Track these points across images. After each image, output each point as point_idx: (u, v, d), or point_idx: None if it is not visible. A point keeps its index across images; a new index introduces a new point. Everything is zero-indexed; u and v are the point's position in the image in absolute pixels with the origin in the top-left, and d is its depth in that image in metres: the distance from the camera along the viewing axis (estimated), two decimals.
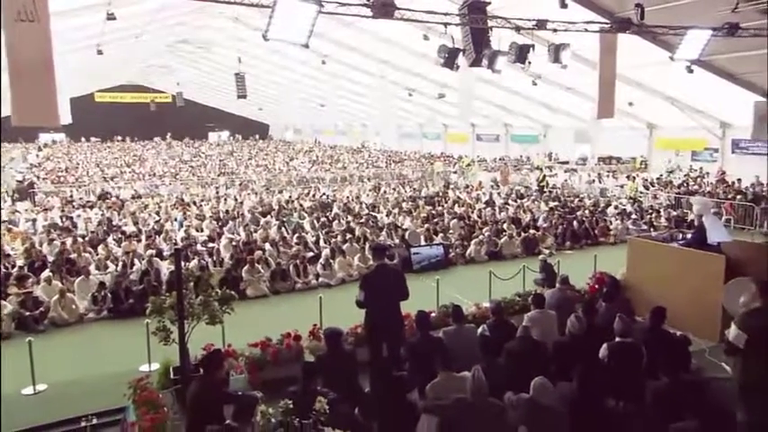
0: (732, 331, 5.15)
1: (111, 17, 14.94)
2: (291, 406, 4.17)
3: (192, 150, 47.50)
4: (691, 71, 16.22)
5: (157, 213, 18.35)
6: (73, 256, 12.47)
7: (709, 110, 22.87)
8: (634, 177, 24.23)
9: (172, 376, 6.53)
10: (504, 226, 15.61)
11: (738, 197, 18.50)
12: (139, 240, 14.34)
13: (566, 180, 26.04)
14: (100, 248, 13.37)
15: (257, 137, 63.81)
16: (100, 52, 19.84)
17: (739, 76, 17.40)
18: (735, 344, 5.12)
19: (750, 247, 8.79)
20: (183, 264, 6.98)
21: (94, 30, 18.17)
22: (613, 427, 4.66)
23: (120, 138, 56.92)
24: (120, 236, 14.82)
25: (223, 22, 26.15)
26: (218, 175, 30.63)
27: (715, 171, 24.10)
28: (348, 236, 14.14)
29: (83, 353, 8.88)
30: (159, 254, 12.77)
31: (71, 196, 23.16)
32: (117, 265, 12.25)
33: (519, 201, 20.70)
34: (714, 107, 22.52)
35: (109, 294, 10.65)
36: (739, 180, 21.11)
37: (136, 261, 12.44)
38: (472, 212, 17.96)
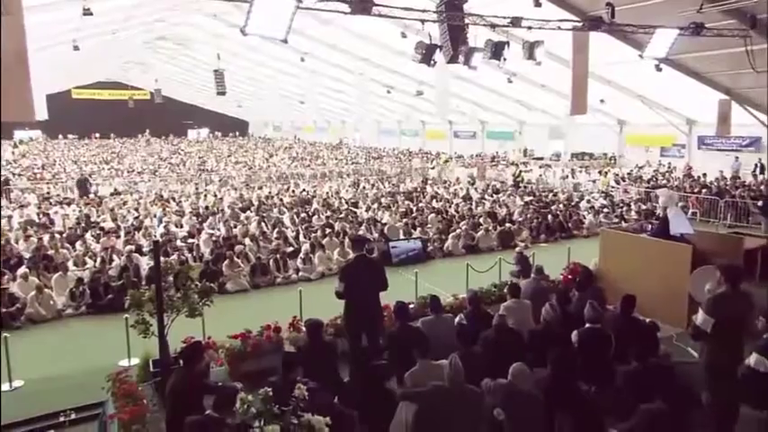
0: (699, 316, 5.35)
1: (87, 12, 14.78)
2: (271, 393, 4.25)
3: (170, 147, 46.98)
4: (659, 69, 16.62)
5: (136, 210, 18.20)
6: (50, 252, 12.35)
7: (677, 107, 23.45)
8: (606, 172, 24.69)
9: (152, 369, 6.57)
10: (481, 220, 15.84)
11: (704, 191, 19.02)
12: (118, 236, 14.25)
13: (540, 175, 26.45)
14: (78, 245, 13.27)
15: (237, 134, 63.38)
16: (76, 48, 19.59)
17: (704, 75, 17.90)
18: (702, 328, 5.32)
19: (715, 237, 9.13)
20: (162, 258, 7.02)
21: (71, 25, 17.95)
22: (586, 410, 4.83)
23: (97, 135, 56.06)
24: (98, 232, 14.70)
25: (201, 19, 25.97)
26: (198, 172, 30.41)
27: (682, 166, 24.71)
28: (328, 230, 14.23)
29: (61, 349, 8.84)
30: (138, 249, 12.71)
31: (48, 193, 22.85)
32: (95, 261, 12.17)
33: (495, 196, 20.98)
34: (681, 105, 23.11)
35: (87, 290, 10.58)
36: (704, 175, 21.76)
37: (115, 257, 12.37)
38: (450, 207, 18.17)
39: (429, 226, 15.52)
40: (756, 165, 22.02)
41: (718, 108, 18.68)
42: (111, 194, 22.39)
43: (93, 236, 14.39)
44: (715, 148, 24.01)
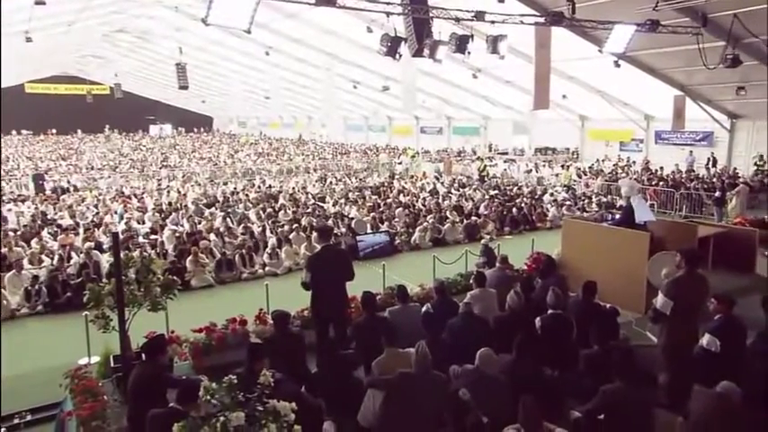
0: (659, 299, 5.52)
1: (39, 2, 14.30)
2: (236, 381, 4.19)
3: (132, 143, 45.84)
4: (618, 66, 17.04)
5: (96, 206, 17.72)
6: (3, 250, 11.93)
7: (635, 103, 24.10)
8: (568, 167, 25.21)
9: (112, 365, 6.41)
10: (448, 213, 15.97)
11: (660, 184, 19.63)
12: (77, 233, 13.85)
13: (505, 170, 26.81)
14: (33, 242, 12.84)
15: (201, 129, 62.27)
16: (29, 39, 18.94)
17: (660, 71, 18.46)
18: (661, 311, 5.50)
19: (671, 225, 9.42)
20: (123, 253, 6.84)
21: (22, 15, 17.33)
22: (549, 393, 4.92)
23: (54, 131, 54.29)
24: (55, 229, 14.26)
25: (162, 11, 25.38)
26: (160, 168, 29.78)
27: (641, 160, 25.41)
28: (294, 225, 14.13)
29: (15, 349, 8.51)
30: (98, 246, 12.39)
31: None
32: (53, 259, 11.80)
33: (461, 190, 21.18)
34: (639, 101, 23.76)
35: (44, 288, 10.27)
36: (661, 168, 22.46)
37: (73, 254, 12.03)
38: (417, 201, 18.26)
39: (396, 220, 15.57)
40: (709, 159, 22.80)
41: (674, 104, 19.30)
42: (68, 190, 21.74)
43: (50, 233, 13.96)
44: (671, 142, 24.76)
